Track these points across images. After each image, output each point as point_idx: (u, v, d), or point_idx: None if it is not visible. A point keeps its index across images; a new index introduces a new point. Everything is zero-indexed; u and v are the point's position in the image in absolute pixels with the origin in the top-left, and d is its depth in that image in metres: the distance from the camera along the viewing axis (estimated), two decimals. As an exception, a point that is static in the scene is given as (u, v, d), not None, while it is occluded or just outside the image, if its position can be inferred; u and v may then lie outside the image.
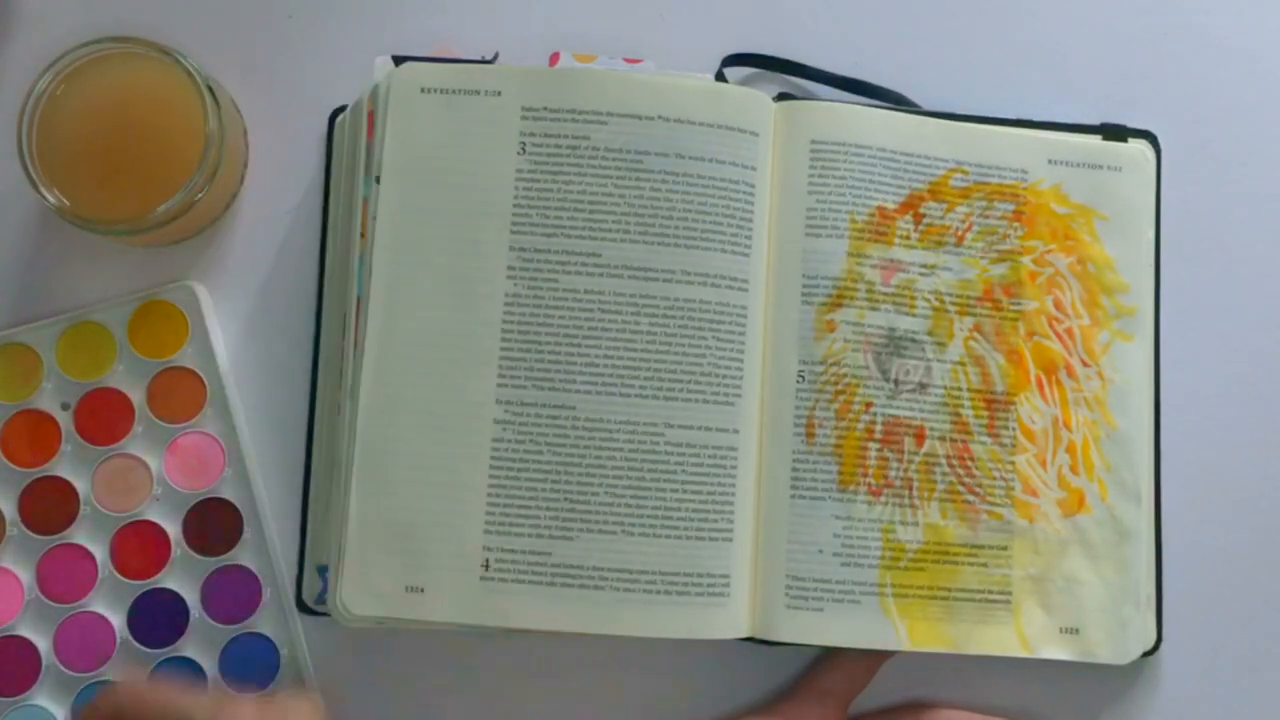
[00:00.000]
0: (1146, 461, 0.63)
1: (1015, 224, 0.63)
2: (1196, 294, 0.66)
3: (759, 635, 0.60)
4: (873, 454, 0.60)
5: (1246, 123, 0.67)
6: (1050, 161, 0.63)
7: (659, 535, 0.58)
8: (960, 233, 0.62)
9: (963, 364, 0.61)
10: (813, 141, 0.62)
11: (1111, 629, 0.61)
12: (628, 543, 0.58)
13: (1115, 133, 0.65)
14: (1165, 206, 0.65)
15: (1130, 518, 0.61)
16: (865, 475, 0.60)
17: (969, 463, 0.61)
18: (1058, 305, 0.62)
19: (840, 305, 0.61)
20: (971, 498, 0.61)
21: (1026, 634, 0.60)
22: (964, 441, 0.61)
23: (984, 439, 0.61)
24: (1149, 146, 0.65)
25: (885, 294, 0.61)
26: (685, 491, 0.59)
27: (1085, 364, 0.62)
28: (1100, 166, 0.63)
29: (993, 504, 0.61)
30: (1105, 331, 0.63)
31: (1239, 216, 0.66)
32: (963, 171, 0.63)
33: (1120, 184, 0.64)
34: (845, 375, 0.61)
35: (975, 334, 0.62)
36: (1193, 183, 0.66)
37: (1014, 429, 0.61)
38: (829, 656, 0.62)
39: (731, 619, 0.59)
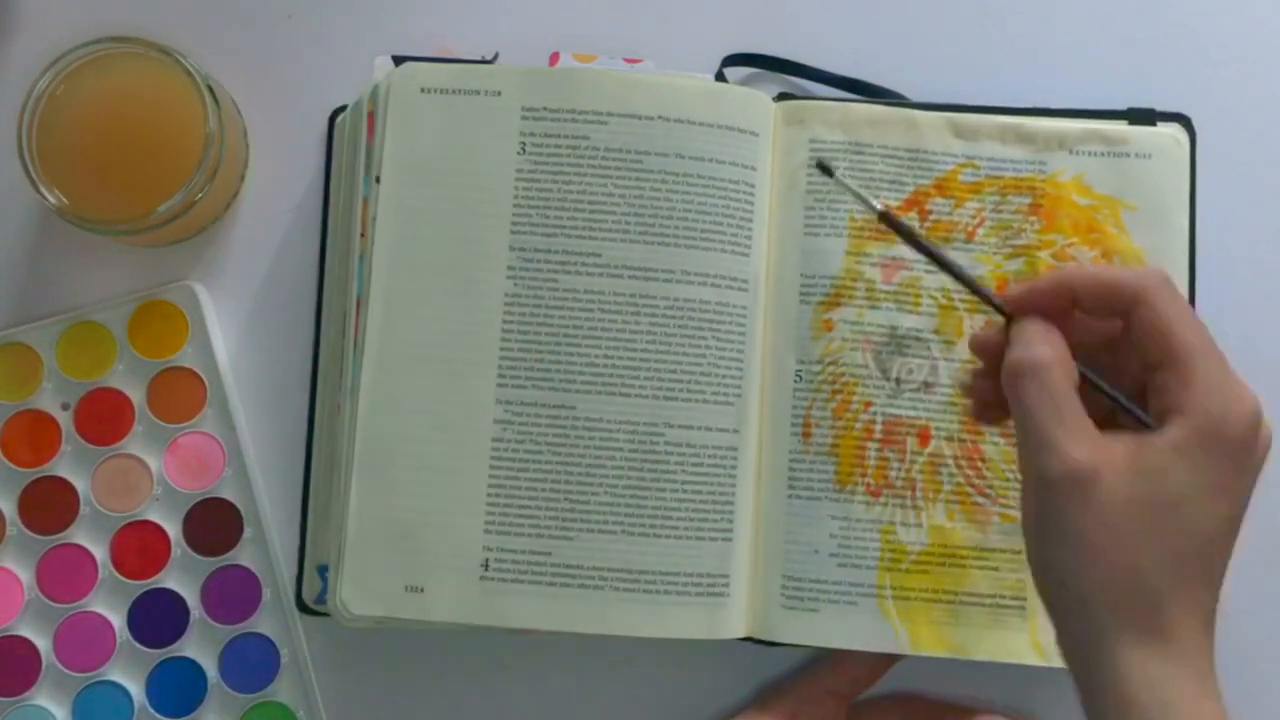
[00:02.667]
0: None
1: (1032, 218, 0.62)
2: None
3: (757, 635, 0.60)
4: (872, 454, 0.60)
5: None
6: (1071, 152, 0.62)
7: (659, 535, 0.58)
8: (971, 228, 0.62)
9: (973, 362, 0.60)
10: (812, 141, 0.61)
11: None
12: (628, 543, 0.58)
13: (1143, 117, 0.63)
14: (1201, 194, 0.62)
15: None
16: (863, 475, 0.60)
17: (979, 464, 0.60)
18: None
19: (838, 304, 0.61)
20: (982, 500, 0.60)
21: (1042, 642, 0.59)
22: (974, 442, 0.60)
23: (996, 439, 0.60)
24: (1181, 130, 0.62)
25: (886, 292, 0.61)
26: (685, 491, 0.59)
27: None
28: (1127, 154, 0.62)
29: (1005, 506, 0.60)
30: None
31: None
32: (973, 166, 0.62)
33: (1149, 171, 0.62)
34: (843, 374, 0.61)
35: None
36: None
37: None
38: (833, 655, 0.61)
39: (731, 619, 0.59)
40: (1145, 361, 0.47)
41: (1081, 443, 0.45)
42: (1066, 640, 0.47)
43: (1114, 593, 0.45)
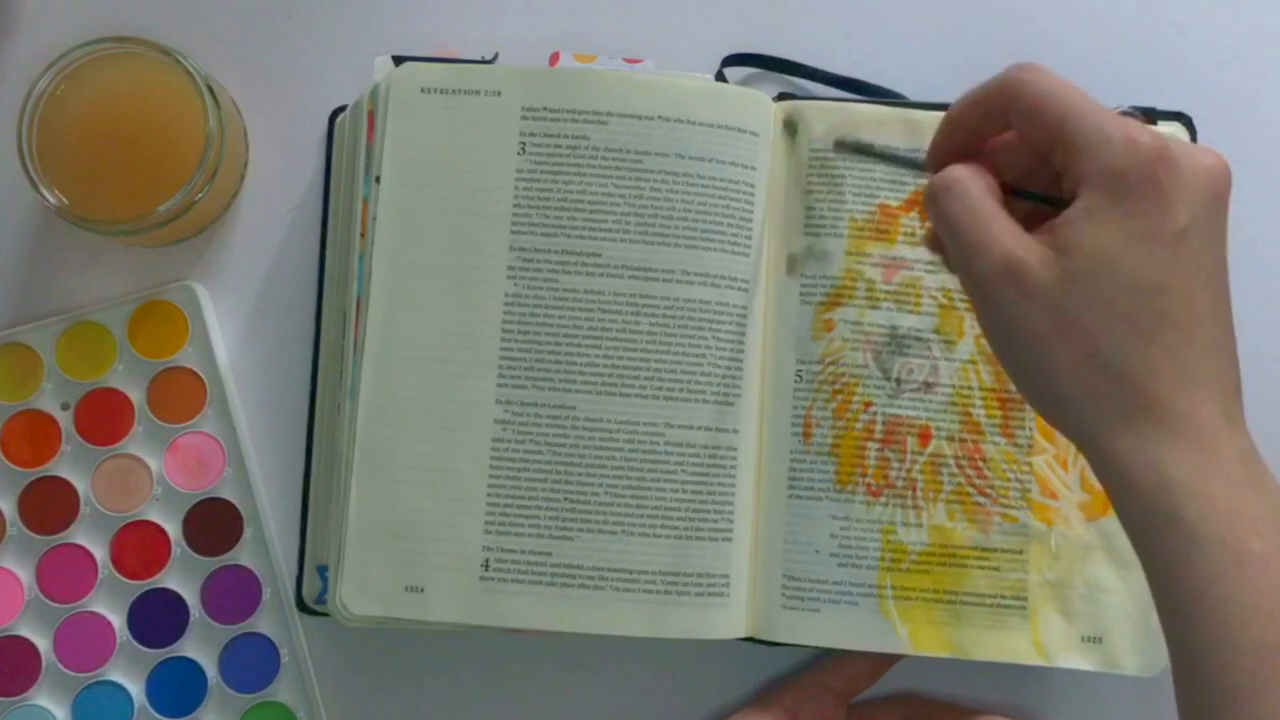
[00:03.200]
0: None
1: None
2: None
3: (757, 635, 0.60)
4: (872, 454, 0.60)
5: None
6: None
7: (659, 535, 0.58)
8: (972, 228, 0.61)
9: (974, 362, 0.61)
10: (811, 141, 0.61)
11: (1139, 639, 0.59)
12: (628, 543, 0.58)
13: (1143, 115, 0.62)
14: None
15: None
16: (864, 475, 0.60)
17: (980, 463, 0.60)
18: None
19: (839, 304, 0.61)
20: (982, 499, 0.60)
21: (1043, 641, 0.59)
22: (975, 442, 0.60)
23: (997, 439, 0.60)
24: (1182, 128, 0.62)
25: (886, 292, 0.61)
26: (685, 491, 0.59)
27: None
28: None
29: (1006, 506, 0.60)
30: None
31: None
32: None
33: None
34: (843, 374, 0.61)
35: None
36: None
37: (1030, 429, 0.60)
38: (833, 655, 0.61)
39: (731, 619, 0.59)
40: (1043, 155, 0.46)
41: (1004, 237, 0.44)
42: (1079, 450, 0.46)
43: (1084, 380, 0.44)
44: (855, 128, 0.62)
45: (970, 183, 0.45)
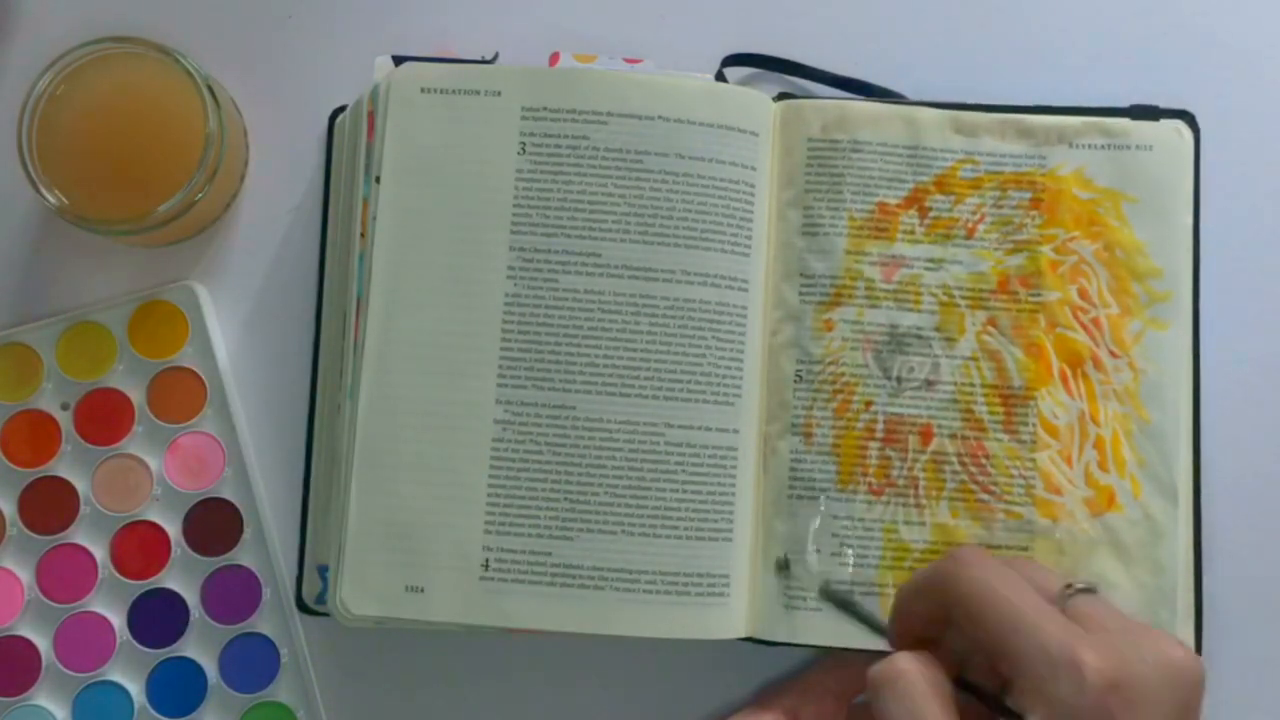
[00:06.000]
0: (1184, 457, 0.60)
1: (1033, 212, 0.61)
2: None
3: (758, 635, 0.59)
4: (873, 453, 0.60)
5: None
6: (1071, 145, 0.62)
7: (659, 535, 0.58)
8: (971, 225, 0.62)
9: (975, 359, 0.61)
10: (810, 140, 0.61)
11: None
12: (628, 543, 0.58)
13: (1146, 113, 0.62)
14: (1205, 188, 0.62)
15: (1166, 516, 0.59)
16: (865, 475, 0.60)
17: (983, 460, 0.60)
18: (1082, 294, 0.61)
19: (839, 304, 0.61)
20: (986, 496, 0.60)
21: (1050, 638, 0.59)
22: (977, 439, 0.60)
23: (1000, 436, 0.60)
24: (1185, 125, 0.62)
25: (886, 291, 0.61)
26: (685, 491, 0.59)
27: (1114, 355, 0.60)
28: (1127, 147, 0.61)
29: (1010, 503, 0.60)
30: (1137, 320, 0.61)
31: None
32: (972, 162, 0.62)
33: (1151, 164, 0.61)
34: (844, 374, 0.60)
35: (989, 328, 0.61)
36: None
37: (1034, 425, 0.60)
38: (833, 655, 0.61)
39: (731, 619, 0.59)
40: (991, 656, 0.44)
41: None
42: None
43: None
44: (853, 127, 0.62)
45: (915, 680, 0.44)
